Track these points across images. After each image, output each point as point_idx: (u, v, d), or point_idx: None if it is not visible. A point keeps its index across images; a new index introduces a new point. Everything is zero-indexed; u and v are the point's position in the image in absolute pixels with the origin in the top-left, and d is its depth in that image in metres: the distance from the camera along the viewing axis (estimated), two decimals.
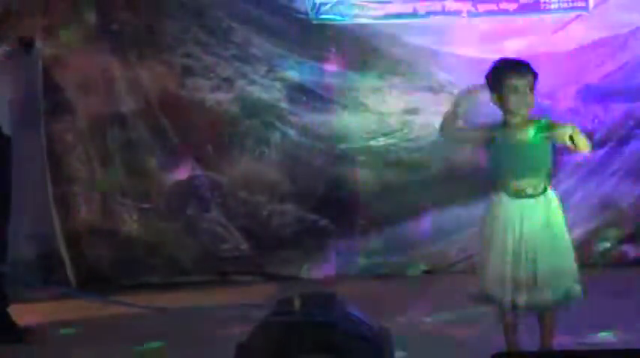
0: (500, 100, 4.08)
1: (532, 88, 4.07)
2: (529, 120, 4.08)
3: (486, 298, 4.09)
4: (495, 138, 4.10)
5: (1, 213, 4.96)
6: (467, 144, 4.28)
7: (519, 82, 4.04)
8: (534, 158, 4.07)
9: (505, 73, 4.07)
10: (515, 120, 4.07)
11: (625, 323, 4.85)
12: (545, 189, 4.07)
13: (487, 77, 4.14)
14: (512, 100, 4.04)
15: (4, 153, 4.95)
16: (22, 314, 5.13)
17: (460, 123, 4.20)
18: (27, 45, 4.93)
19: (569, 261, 4.08)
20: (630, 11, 6.61)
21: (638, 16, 6.61)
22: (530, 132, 4.04)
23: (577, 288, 4.07)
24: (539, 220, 4.03)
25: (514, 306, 4.02)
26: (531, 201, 4.04)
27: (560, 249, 4.07)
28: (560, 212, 4.11)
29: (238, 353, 2.40)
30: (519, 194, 4.04)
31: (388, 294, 5.98)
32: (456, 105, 4.18)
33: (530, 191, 4.04)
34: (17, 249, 5.96)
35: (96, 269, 6.50)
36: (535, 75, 4.10)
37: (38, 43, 4.99)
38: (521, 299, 3.98)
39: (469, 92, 4.22)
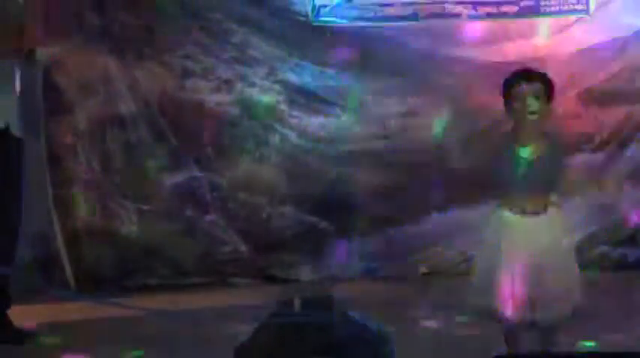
0: (508, 112, 4.03)
1: (540, 98, 3.94)
2: (539, 135, 3.99)
3: (489, 313, 4.04)
4: (505, 149, 4.03)
5: (13, 215, 4.96)
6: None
7: (522, 93, 3.92)
8: (540, 174, 4.00)
9: (509, 85, 3.98)
10: (522, 133, 3.98)
11: (624, 326, 4.85)
12: (549, 207, 4.00)
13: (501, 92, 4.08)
14: (516, 111, 3.95)
15: (15, 155, 4.92)
16: (22, 315, 5.12)
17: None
18: (28, 55, 4.94)
19: (574, 278, 4.02)
20: (630, 14, 6.62)
21: (638, 18, 6.62)
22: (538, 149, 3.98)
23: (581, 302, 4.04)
24: (543, 239, 3.93)
25: (519, 322, 3.96)
26: (536, 219, 3.94)
27: (566, 267, 4.01)
28: (564, 229, 4.04)
29: (238, 355, 2.40)
30: (524, 210, 3.97)
31: (388, 296, 5.97)
32: None
33: (533, 208, 3.97)
34: (17, 251, 5.95)
35: (95, 271, 6.48)
36: (546, 85, 3.98)
37: (39, 53, 4.99)
38: (527, 316, 3.93)
39: None
